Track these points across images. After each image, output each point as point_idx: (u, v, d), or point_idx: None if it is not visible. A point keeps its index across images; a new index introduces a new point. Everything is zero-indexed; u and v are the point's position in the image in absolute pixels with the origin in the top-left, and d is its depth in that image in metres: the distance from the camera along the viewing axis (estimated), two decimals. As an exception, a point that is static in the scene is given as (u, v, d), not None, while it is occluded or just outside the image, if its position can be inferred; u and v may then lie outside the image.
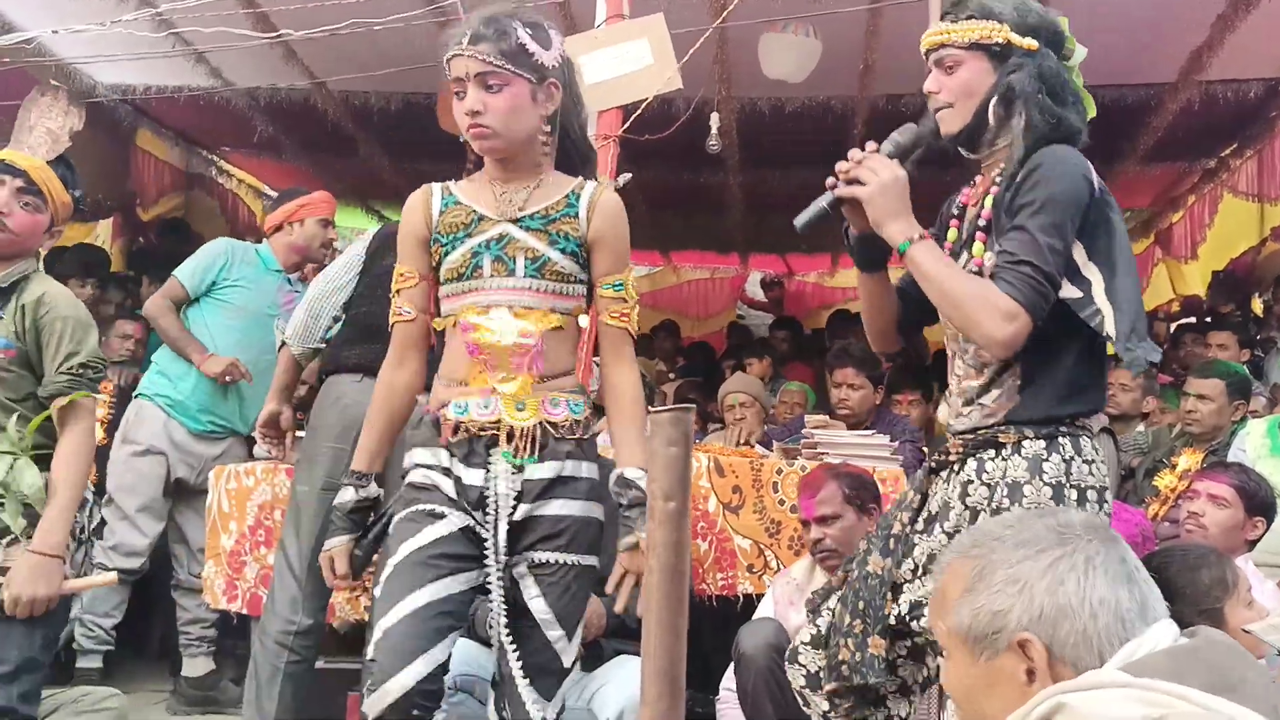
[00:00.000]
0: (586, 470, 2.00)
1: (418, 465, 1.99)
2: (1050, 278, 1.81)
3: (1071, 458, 1.84)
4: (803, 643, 2.11)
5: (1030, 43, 1.89)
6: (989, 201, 1.92)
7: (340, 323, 2.95)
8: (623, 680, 2.60)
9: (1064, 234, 1.82)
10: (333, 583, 2.07)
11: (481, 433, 1.94)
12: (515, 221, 1.97)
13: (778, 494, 3.18)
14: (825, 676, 2.03)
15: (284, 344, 3.01)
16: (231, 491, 3.39)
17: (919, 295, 1.99)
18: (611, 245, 2.01)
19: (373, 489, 2.05)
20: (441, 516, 1.94)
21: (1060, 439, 1.86)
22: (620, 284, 2.02)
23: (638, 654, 2.68)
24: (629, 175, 3.56)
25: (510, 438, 1.93)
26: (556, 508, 1.95)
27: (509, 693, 1.96)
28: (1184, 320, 6.72)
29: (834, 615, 2.05)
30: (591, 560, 2.00)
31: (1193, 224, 6.65)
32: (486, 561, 1.94)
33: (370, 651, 1.89)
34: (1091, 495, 1.85)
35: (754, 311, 9.15)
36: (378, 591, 1.92)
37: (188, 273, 3.73)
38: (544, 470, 1.94)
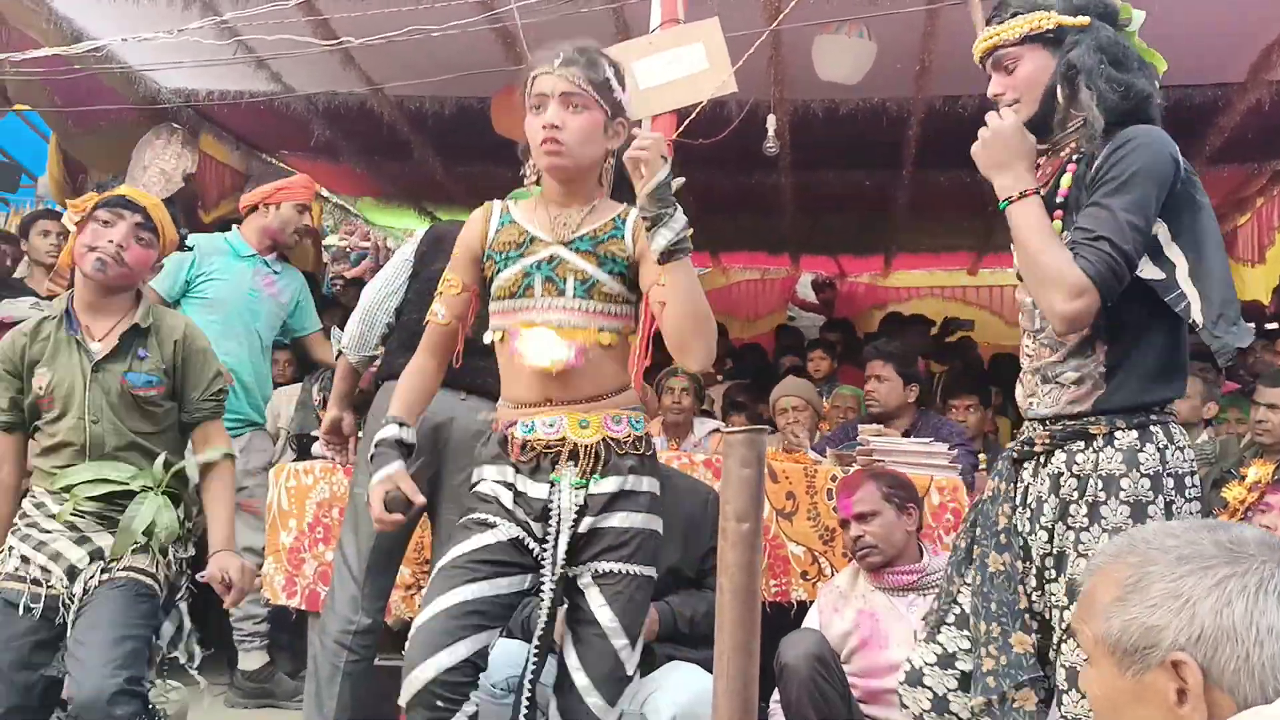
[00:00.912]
0: (648, 485, 2.07)
1: (484, 480, 2.09)
2: (1127, 256, 1.78)
3: (1165, 446, 1.83)
4: (927, 664, 2.02)
5: (1081, 20, 1.89)
6: (1066, 179, 1.90)
7: (391, 330, 2.99)
8: (675, 685, 2.60)
9: (1146, 211, 1.80)
10: (389, 521, 2.06)
11: (548, 450, 2.03)
12: (566, 244, 2.07)
13: (832, 501, 3.16)
14: (974, 690, 1.94)
15: (340, 353, 3.06)
16: (291, 490, 3.45)
17: None
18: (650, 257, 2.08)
19: (411, 434, 2.13)
20: (492, 526, 2.03)
21: (1152, 427, 1.84)
22: None
23: (690, 660, 2.70)
24: (682, 180, 3.56)
25: (575, 455, 2.02)
26: (619, 520, 2.02)
27: (568, 699, 2.02)
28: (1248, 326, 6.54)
29: (969, 629, 1.98)
30: (651, 571, 2.07)
31: (1260, 227, 6.48)
32: (542, 573, 2.02)
33: (410, 638, 1.99)
34: (1188, 481, 1.84)
35: (805, 313, 9.10)
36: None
37: (161, 281, 3.74)
38: (607, 485, 2.02)
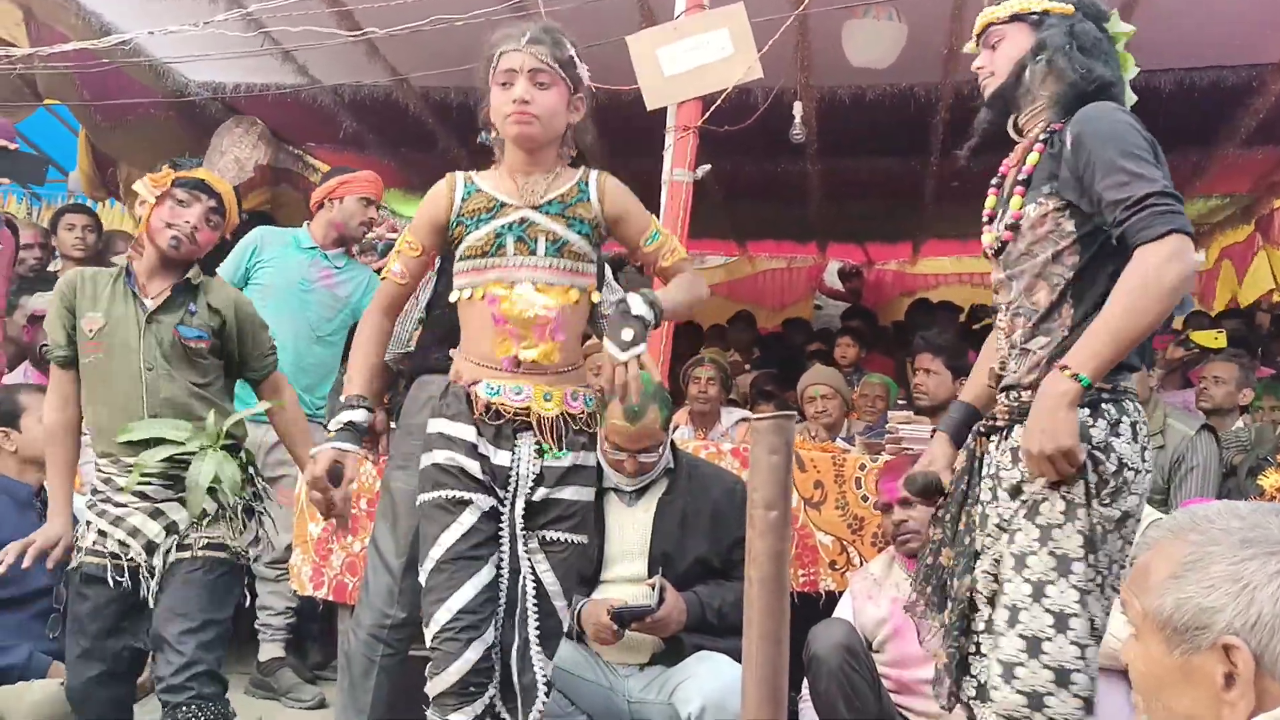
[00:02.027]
0: (592, 460, 2.23)
1: (441, 435, 2.14)
2: (1167, 191, 1.81)
3: (1117, 420, 1.87)
4: (970, 653, 2.02)
5: (1066, 8, 1.99)
6: (1033, 158, 1.98)
7: (423, 325, 2.99)
8: (704, 675, 2.59)
9: (1144, 155, 1.85)
10: (322, 485, 2.16)
11: (514, 417, 2.11)
12: (536, 208, 2.15)
13: (860, 490, 3.14)
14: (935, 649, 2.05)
15: None
16: (319, 481, 3.46)
17: None
18: (635, 211, 2.22)
19: (368, 417, 2.21)
20: (468, 503, 2.11)
21: (1104, 404, 1.87)
22: (656, 234, 2.24)
23: (718, 650, 2.69)
24: (708, 166, 3.54)
25: (536, 425, 2.12)
26: (571, 493, 2.17)
27: (519, 655, 2.14)
28: (1285, 310, 6.44)
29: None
30: (585, 539, 2.23)
31: (1296, 210, 6.37)
32: (502, 538, 2.14)
33: (431, 641, 2.09)
34: (1136, 453, 1.88)
35: (832, 301, 9.04)
36: (424, 580, 2.12)
37: (225, 266, 3.85)
38: (565, 459, 2.15)
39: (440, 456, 2.13)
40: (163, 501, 2.50)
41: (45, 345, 2.59)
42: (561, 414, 2.13)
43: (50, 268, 4.98)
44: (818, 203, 6.92)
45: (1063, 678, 1.82)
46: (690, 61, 3.40)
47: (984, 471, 2.01)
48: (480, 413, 2.12)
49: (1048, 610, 1.84)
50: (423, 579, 2.13)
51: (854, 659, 2.61)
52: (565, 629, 2.22)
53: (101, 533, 2.49)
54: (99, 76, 4.49)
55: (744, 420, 4.50)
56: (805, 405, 4.59)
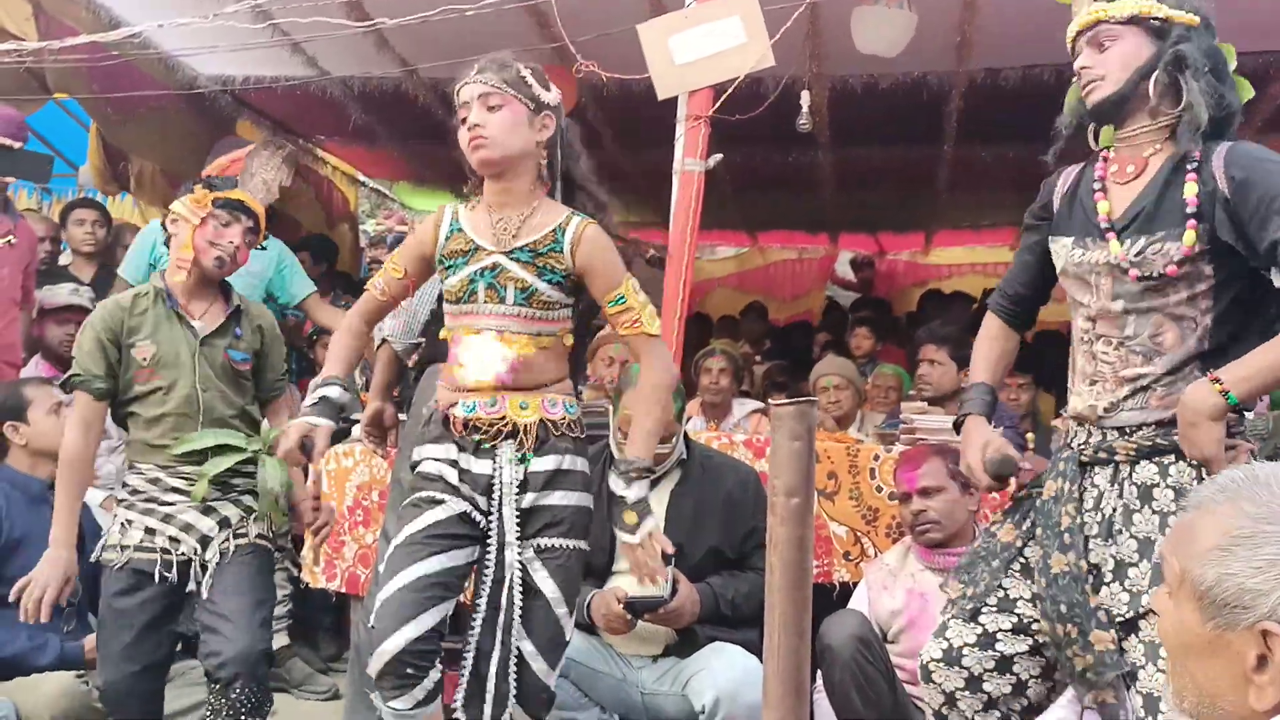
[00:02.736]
0: (581, 465, 2.22)
1: (427, 459, 2.21)
2: None
3: (1255, 453, 1.83)
4: (967, 644, 2.03)
5: (1191, 18, 1.89)
6: (1191, 189, 1.86)
7: (435, 317, 2.98)
8: (718, 667, 2.58)
9: None
10: (295, 457, 2.22)
11: (490, 427, 2.15)
12: (507, 254, 2.16)
13: (875, 480, 3.12)
14: (1078, 689, 1.97)
15: (384, 341, 3.05)
16: (331, 473, 3.46)
17: (1034, 292, 2.17)
18: (601, 270, 2.18)
19: (344, 395, 2.27)
20: (440, 502, 2.15)
21: (1234, 435, 1.83)
22: (621, 298, 2.18)
23: (731, 641, 2.67)
24: (719, 156, 3.51)
25: (514, 433, 2.15)
26: (558, 498, 2.17)
27: (499, 664, 2.14)
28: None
29: (1040, 630, 1.98)
30: (584, 544, 2.22)
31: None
32: (488, 543, 2.15)
33: (371, 620, 2.10)
34: None
35: (844, 292, 9.01)
36: (380, 568, 2.15)
37: (129, 261, 3.87)
38: (547, 463, 2.16)
39: (426, 466, 2.20)
40: (213, 499, 2.59)
41: (76, 375, 2.59)
42: (540, 420, 2.16)
43: (60, 261, 4.99)
44: (829, 193, 6.88)
45: None
46: (702, 50, 3.38)
47: (1089, 504, 1.95)
48: (459, 430, 2.17)
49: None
50: (380, 568, 2.17)
51: (868, 650, 2.60)
52: (568, 638, 2.22)
53: (149, 530, 2.56)
54: (109, 70, 4.48)
55: (756, 411, 4.48)
56: (818, 395, 4.57)
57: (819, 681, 2.73)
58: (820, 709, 2.70)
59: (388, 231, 9.31)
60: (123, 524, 2.58)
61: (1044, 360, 5.31)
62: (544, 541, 2.16)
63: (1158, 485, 1.86)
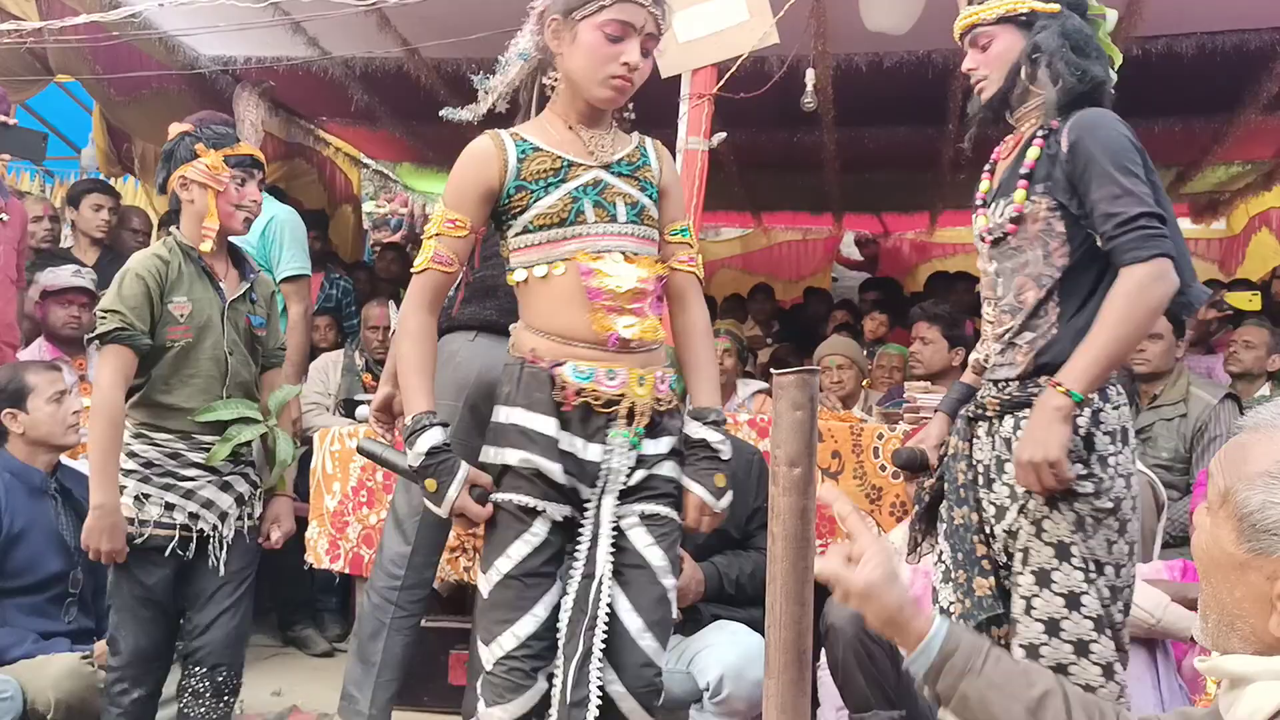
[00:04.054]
0: (680, 442, 1.99)
1: (517, 429, 1.88)
2: (1156, 215, 1.91)
3: (1100, 409, 1.96)
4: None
5: (1052, 6, 2.04)
6: (1033, 152, 2.04)
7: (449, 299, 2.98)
8: (722, 645, 2.59)
9: (1137, 170, 1.94)
10: (478, 513, 1.89)
11: (606, 408, 1.87)
12: (607, 168, 1.94)
13: (879, 459, 3.12)
14: None
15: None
16: (335, 454, 3.47)
17: None
18: (674, 193, 2.05)
19: (446, 434, 1.92)
20: (540, 512, 1.88)
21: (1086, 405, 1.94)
22: (685, 229, 2.05)
23: (735, 619, 2.68)
24: (723, 135, 3.50)
25: (630, 415, 1.88)
26: (668, 469, 1.95)
27: (577, 667, 1.83)
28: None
29: (944, 575, 2.15)
30: (680, 520, 2.00)
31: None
32: (579, 543, 1.90)
33: (491, 666, 1.87)
34: (1118, 435, 1.98)
35: (850, 272, 8.98)
36: (487, 591, 1.88)
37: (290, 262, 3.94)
38: (661, 445, 1.94)
39: (514, 458, 1.87)
40: (229, 475, 2.57)
41: (122, 329, 2.41)
42: (654, 399, 1.90)
43: (63, 244, 4.98)
44: (834, 173, 6.84)
45: (1082, 648, 1.93)
46: (705, 27, 3.35)
47: (974, 457, 2.10)
48: (569, 401, 1.86)
49: (1057, 594, 1.95)
50: (485, 589, 1.90)
51: (871, 629, 2.60)
52: (675, 617, 2.00)
53: (169, 505, 2.51)
54: (111, 51, 4.47)
55: (760, 392, 4.48)
56: (822, 375, 4.56)
57: (823, 660, 2.73)
58: (824, 688, 2.71)
59: (391, 214, 9.29)
60: (137, 497, 2.50)
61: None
62: (649, 508, 1.91)
63: (1012, 439, 2.01)
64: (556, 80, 1.96)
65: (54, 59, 4.62)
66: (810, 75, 3.79)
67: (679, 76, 3.49)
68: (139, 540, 2.49)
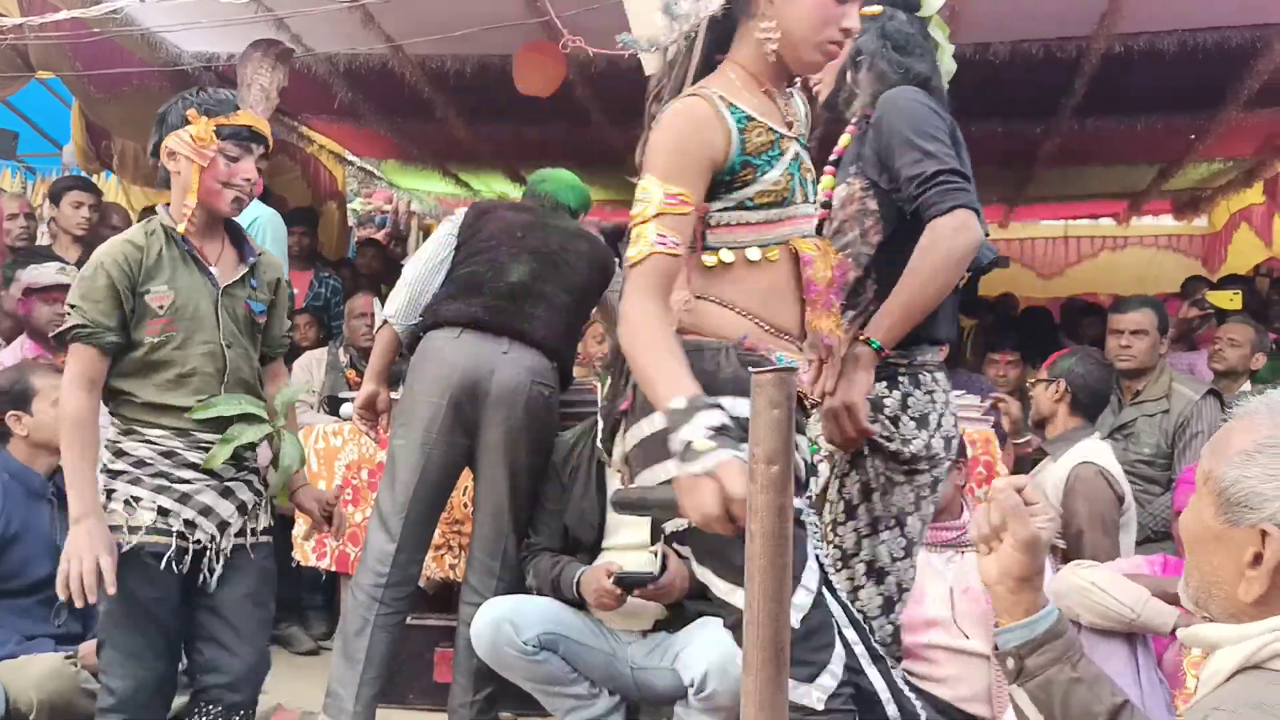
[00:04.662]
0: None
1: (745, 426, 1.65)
2: (957, 171, 1.96)
3: (909, 393, 2.04)
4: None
5: (874, 9, 2.13)
6: (844, 139, 2.17)
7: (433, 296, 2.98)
8: (707, 642, 2.59)
9: (937, 134, 1.99)
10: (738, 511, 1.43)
11: (804, 400, 1.87)
12: (798, 139, 1.78)
13: (863, 455, 3.12)
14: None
15: (384, 323, 2.99)
16: (320, 452, 3.46)
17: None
18: None
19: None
20: (801, 516, 1.70)
21: (900, 375, 2.05)
22: None
23: (720, 616, 2.68)
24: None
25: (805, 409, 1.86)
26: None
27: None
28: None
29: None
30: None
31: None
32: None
33: (826, 703, 1.65)
34: (931, 420, 2.06)
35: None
36: (802, 612, 1.63)
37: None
38: (819, 451, 2.05)
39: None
40: (230, 480, 2.29)
41: (82, 326, 2.17)
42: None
43: (42, 241, 4.95)
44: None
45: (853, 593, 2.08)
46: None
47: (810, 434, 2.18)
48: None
49: (836, 546, 2.09)
50: (802, 602, 1.65)
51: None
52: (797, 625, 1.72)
53: (162, 510, 2.22)
54: (92, 47, 4.43)
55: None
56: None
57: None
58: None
59: (376, 211, 9.26)
60: (127, 500, 2.21)
61: (1032, 337, 5.33)
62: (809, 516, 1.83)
63: None
64: (769, 33, 1.68)
65: (35, 55, 4.58)
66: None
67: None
68: (127, 548, 2.17)
